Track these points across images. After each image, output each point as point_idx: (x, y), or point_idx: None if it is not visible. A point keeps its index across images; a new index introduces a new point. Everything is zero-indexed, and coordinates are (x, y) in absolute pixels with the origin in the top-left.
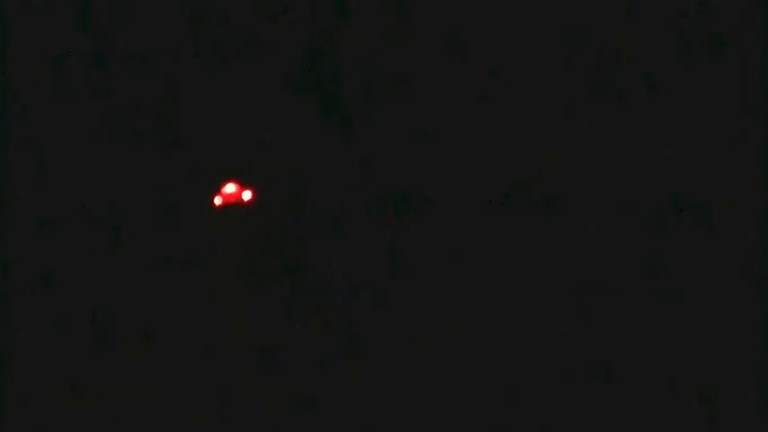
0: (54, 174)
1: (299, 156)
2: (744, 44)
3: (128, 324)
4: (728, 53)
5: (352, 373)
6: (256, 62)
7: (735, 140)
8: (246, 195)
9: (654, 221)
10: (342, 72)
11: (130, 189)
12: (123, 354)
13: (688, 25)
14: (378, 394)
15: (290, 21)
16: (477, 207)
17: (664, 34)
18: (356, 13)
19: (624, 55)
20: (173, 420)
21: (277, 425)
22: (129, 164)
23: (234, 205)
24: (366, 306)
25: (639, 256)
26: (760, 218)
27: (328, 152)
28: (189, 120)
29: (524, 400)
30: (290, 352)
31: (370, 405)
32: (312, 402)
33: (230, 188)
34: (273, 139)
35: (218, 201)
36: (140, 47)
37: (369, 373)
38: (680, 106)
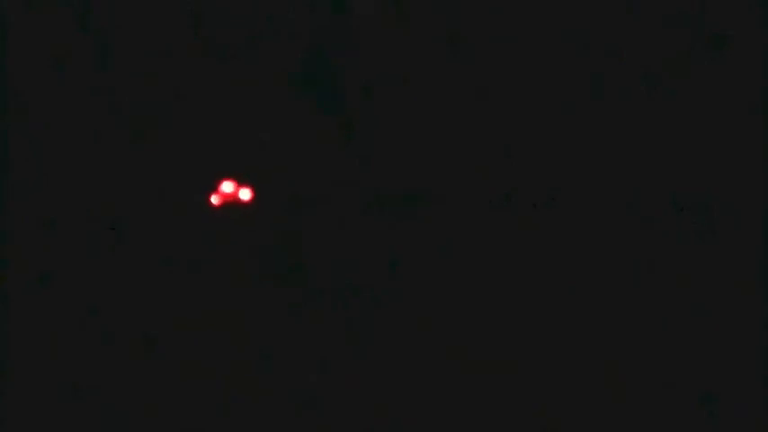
0: (54, 173)
1: (299, 155)
2: (744, 44)
3: (126, 324)
4: (729, 53)
5: (353, 373)
6: (256, 61)
7: (735, 140)
8: (245, 195)
9: (654, 221)
10: (342, 72)
11: (130, 188)
12: (122, 354)
13: (688, 25)
14: (378, 394)
15: (289, 20)
16: (477, 207)
17: (664, 34)
18: (356, 12)
19: (624, 55)
20: (173, 420)
21: (277, 425)
22: (129, 163)
23: (233, 205)
24: (366, 306)
25: (640, 256)
26: (760, 218)
27: (328, 152)
28: (189, 119)
29: (525, 400)
30: (290, 352)
31: (370, 405)
32: (312, 402)
33: (229, 187)
34: (273, 138)
35: (217, 200)
36: (140, 47)
37: (369, 373)
38: (680, 106)
